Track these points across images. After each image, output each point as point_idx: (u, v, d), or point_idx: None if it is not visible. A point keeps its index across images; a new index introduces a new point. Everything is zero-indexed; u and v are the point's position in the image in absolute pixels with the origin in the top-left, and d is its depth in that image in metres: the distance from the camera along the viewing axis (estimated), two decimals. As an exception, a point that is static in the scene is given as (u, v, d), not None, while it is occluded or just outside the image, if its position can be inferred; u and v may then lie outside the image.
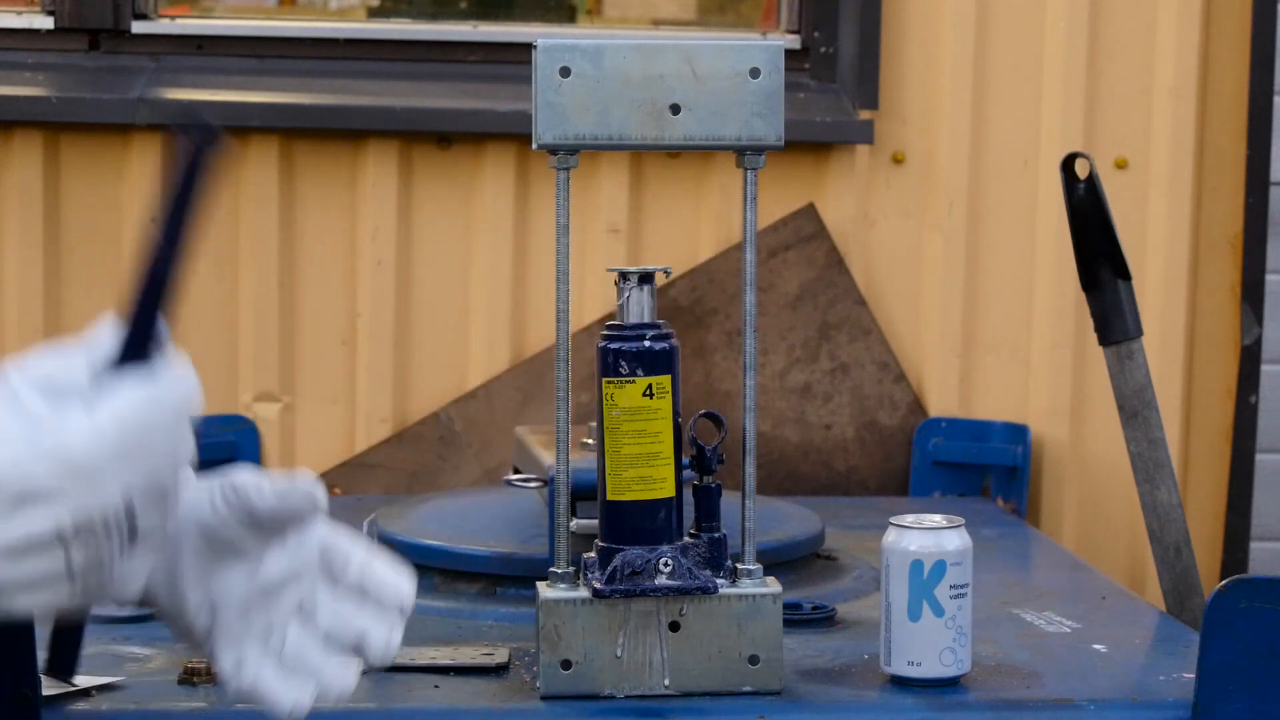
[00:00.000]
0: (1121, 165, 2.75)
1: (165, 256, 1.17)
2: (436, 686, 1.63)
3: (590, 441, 2.00)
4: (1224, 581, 1.55)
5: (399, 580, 1.30)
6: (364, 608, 1.28)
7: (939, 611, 1.61)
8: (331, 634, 1.26)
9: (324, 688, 1.24)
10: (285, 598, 1.27)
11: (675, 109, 1.60)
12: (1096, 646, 1.79)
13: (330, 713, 1.57)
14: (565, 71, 1.58)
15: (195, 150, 1.16)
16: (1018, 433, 2.70)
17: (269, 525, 1.26)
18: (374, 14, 3.17)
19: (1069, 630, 1.86)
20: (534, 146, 1.60)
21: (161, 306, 1.16)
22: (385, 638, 1.27)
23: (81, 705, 1.57)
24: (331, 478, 2.70)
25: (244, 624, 1.25)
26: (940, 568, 1.61)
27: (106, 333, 1.16)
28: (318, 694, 1.24)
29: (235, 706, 1.57)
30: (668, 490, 1.59)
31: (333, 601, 1.28)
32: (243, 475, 1.26)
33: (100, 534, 1.11)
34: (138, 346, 1.14)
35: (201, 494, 1.26)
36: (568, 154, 1.60)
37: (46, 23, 2.69)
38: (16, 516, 1.07)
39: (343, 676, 1.25)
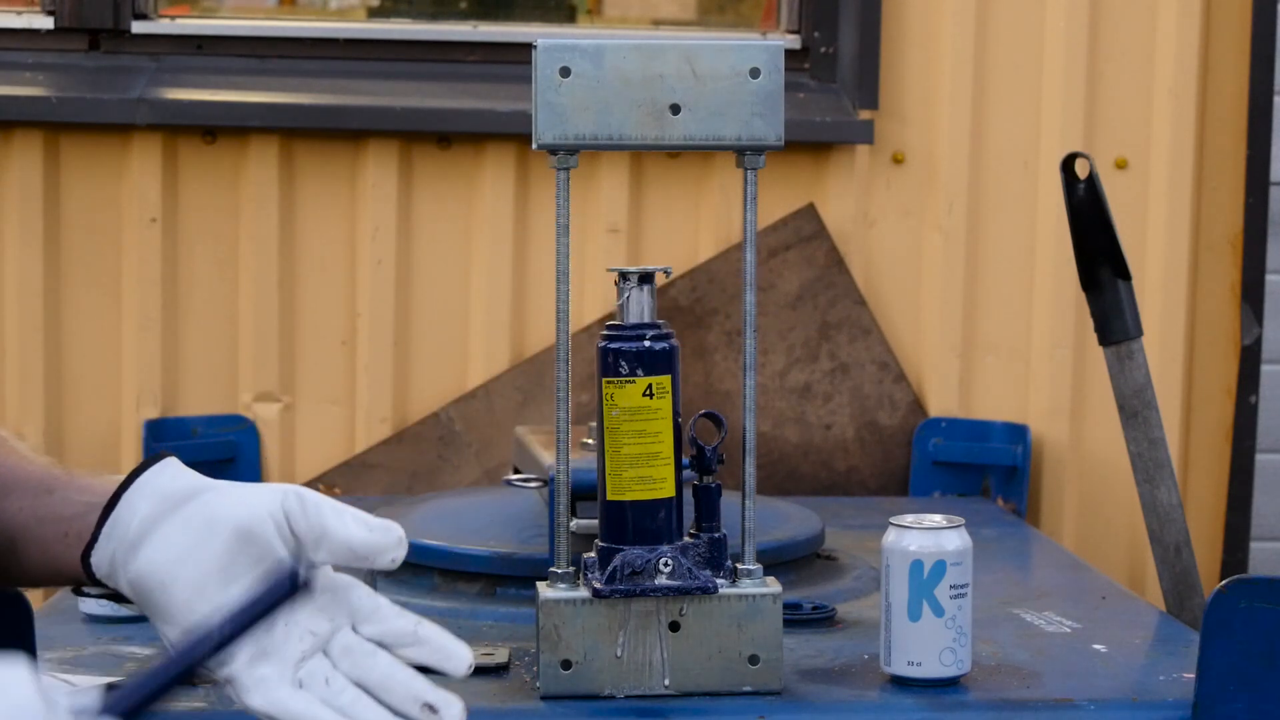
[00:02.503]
0: (1121, 165, 2.75)
1: (206, 652, 1.16)
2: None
3: (590, 441, 2.00)
4: (1224, 581, 1.55)
5: (460, 643, 1.26)
6: (416, 670, 1.23)
7: (939, 611, 1.61)
8: (390, 687, 1.22)
9: None
10: (316, 628, 1.23)
11: (675, 109, 1.60)
12: (1096, 646, 1.79)
13: (330, 713, 1.57)
14: (565, 71, 1.58)
15: (284, 589, 1.15)
16: (1018, 433, 2.71)
17: (333, 555, 1.22)
18: (374, 14, 3.17)
19: (1069, 630, 1.86)
20: (534, 146, 1.60)
21: (165, 693, 1.14)
22: (461, 706, 1.24)
23: (81, 705, 1.57)
24: (331, 478, 2.70)
25: (272, 644, 1.21)
26: (940, 568, 1.61)
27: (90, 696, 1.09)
28: None
29: (235, 707, 1.57)
30: (668, 490, 1.59)
31: (376, 653, 1.23)
32: (312, 493, 1.22)
33: None
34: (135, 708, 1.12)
35: (260, 494, 1.22)
36: (568, 154, 1.60)
37: (46, 23, 2.70)
38: None
39: None
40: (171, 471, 1.26)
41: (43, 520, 1.27)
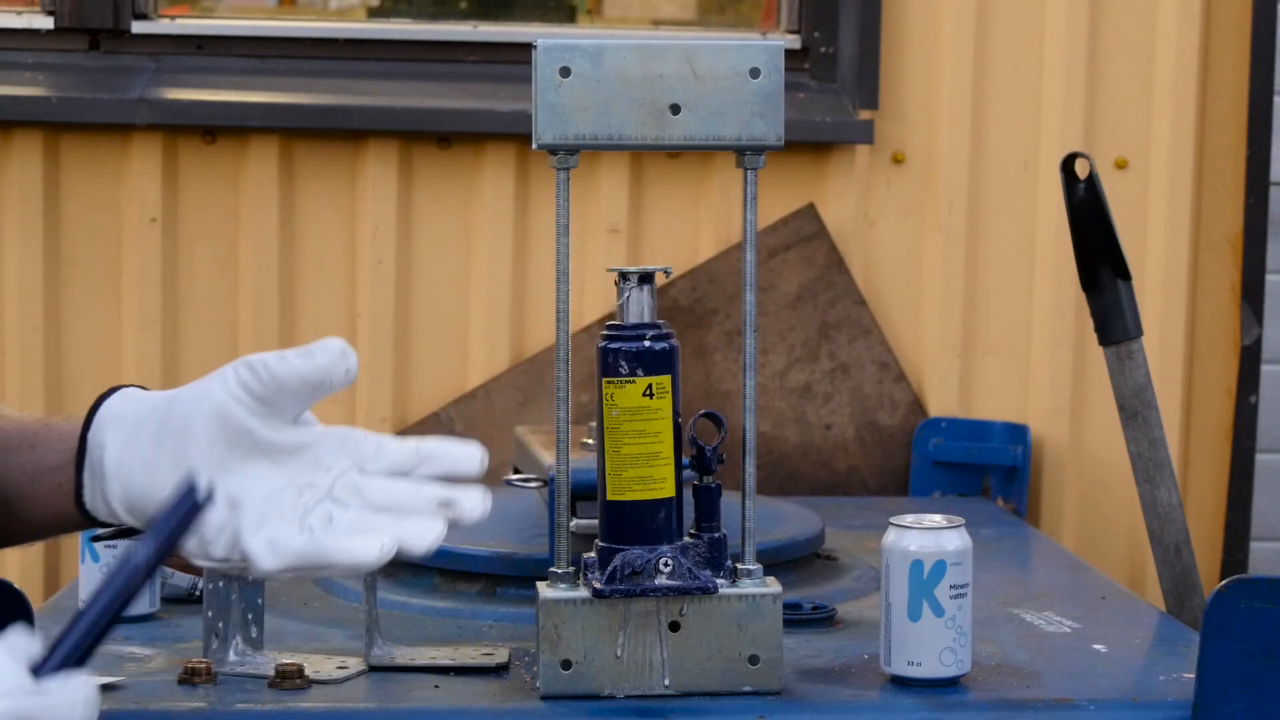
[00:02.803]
0: (1121, 165, 2.75)
1: (135, 584, 1.13)
2: (436, 686, 1.63)
3: (590, 441, 2.00)
4: (1224, 581, 1.55)
5: (467, 444, 1.25)
6: (427, 480, 1.23)
7: (939, 611, 1.61)
8: (402, 503, 1.21)
9: (407, 538, 1.19)
10: (315, 480, 1.22)
11: (675, 109, 1.60)
12: (1096, 646, 1.79)
13: (330, 712, 1.58)
14: (565, 71, 1.58)
15: (194, 503, 1.15)
16: (1018, 433, 2.70)
17: (297, 396, 1.22)
18: (374, 14, 3.17)
19: (1069, 630, 1.86)
20: (534, 146, 1.60)
21: (112, 624, 1.12)
22: (481, 492, 1.23)
23: (81, 705, 1.57)
24: (331, 478, 2.70)
25: (273, 509, 1.21)
26: (940, 568, 1.61)
27: (17, 639, 1.09)
28: (400, 545, 1.19)
29: (235, 707, 1.58)
30: (668, 490, 1.59)
31: (384, 480, 1.23)
32: (255, 356, 1.23)
33: None
34: (78, 654, 1.11)
35: (210, 382, 1.23)
36: (568, 154, 1.60)
37: (46, 23, 2.70)
38: None
39: (429, 530, 1.20)
40: (126, 394, 1.26)
41: (33, 476, 1.28)
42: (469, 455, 1.24)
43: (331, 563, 1.19)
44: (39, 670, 1.08)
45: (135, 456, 1.23)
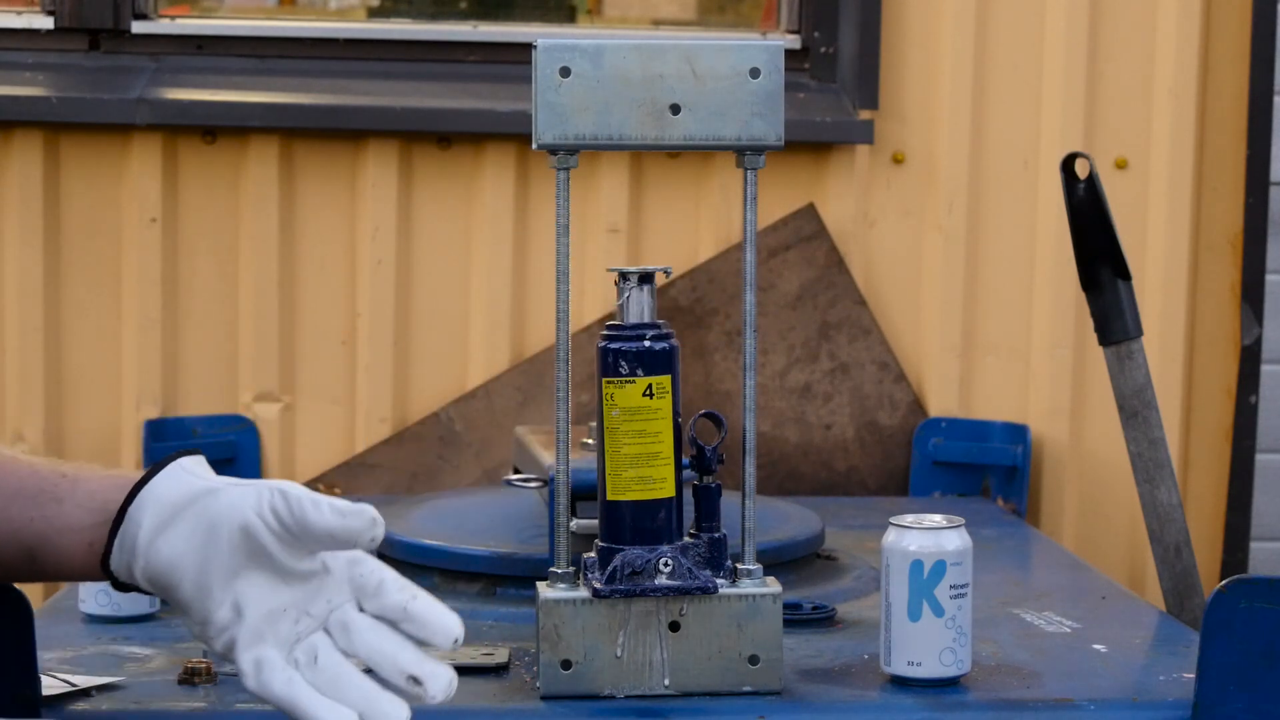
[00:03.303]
0: (1121, 165, 2.75)
1: None
2: (436, 686, 1.63)
3: (590, 441, 2.00)
4: (1224, 581, 1.55)
5: (448, 618, 1.32)
6: (408, 643, 1.31)
7: (939, 611, 1.61)
8: (378, 662, 1.30)
9: (373, 719, 1.28)
10: (313, 609, 1.31)
11: (675, 109, 1.60)
12: (1096, 646, 1.79)
13: (330, 713, 1.57)
14: (565, 71, 1.58)
15: None
16: (1018, 433, 2.71)
17: (318, 543, 1.30)
18: (374, 14, 3.17)
19: (1069, 630, 1.86)
20: (534, 146, 1.60)
21: None
22: (449, 678, 1.31)
23: (81, 705, 1.57)
24: (331, 478, 2.70)
25: (269, 627, 1.29)
26: (940, 568, 1.61)
27: None
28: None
29: (235, 707, 1.58)
30: (668, 490, 1.59)
31: (370, 629, 1.31)
32: (295, 488, 1.30)
33: None
34: None
35: (248, 495, 1.30)
36: (568, 154, 1.60)
37: (46, 23, 2.70)
38: None
39: (396, 713, 1.29)
40: (171, 479, 1.33)
41: (61, 531, 1.35)
42: (447, 632, 1.31)
43: (301, 717, 1.27)
44: None
45: (165, 542, 1.31)
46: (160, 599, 1.38)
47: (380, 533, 1.30)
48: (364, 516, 1.29)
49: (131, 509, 1.32)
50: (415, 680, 1.30)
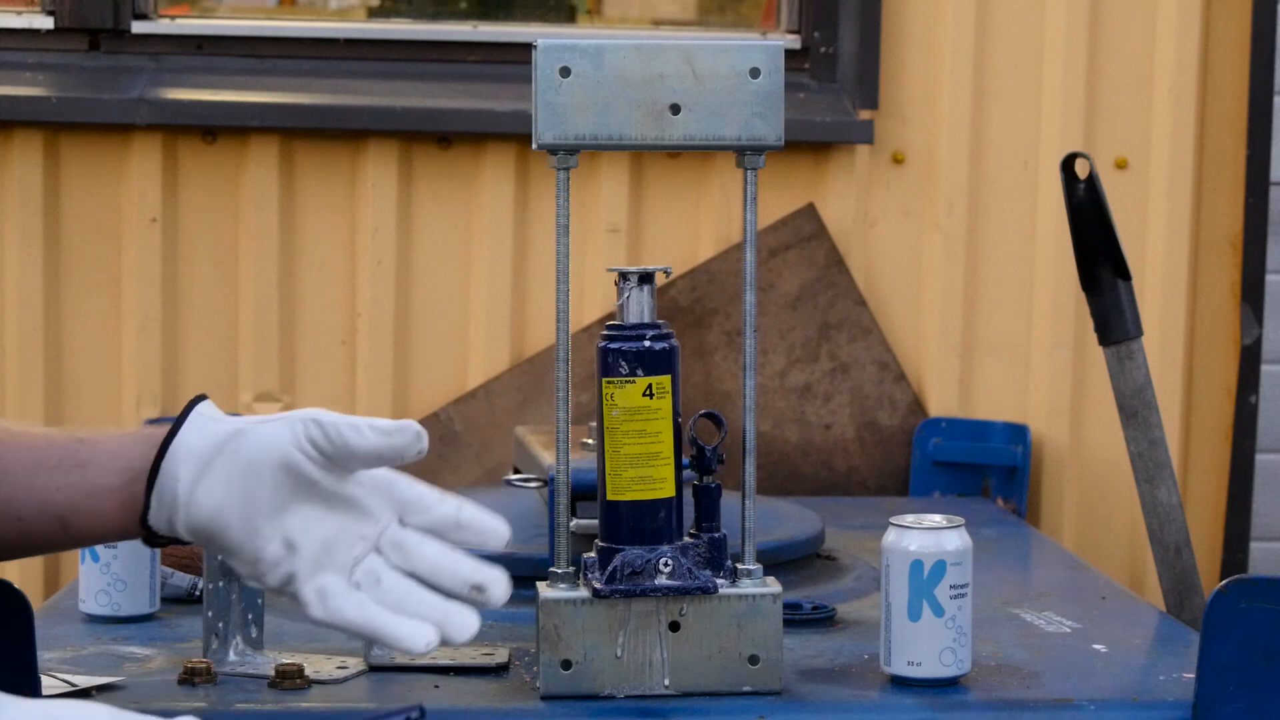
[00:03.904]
0: (1121, 165, 2.75)
1: None
2: (436, 686, 1.63)
3: (590, 441, 2.00)
4: (1224, 581, 1.55)
5: (497, 520, 1.36)
6: (461, 552, 1.35)
7: (939, 611, 1.61)
8: (440, 575, 1.34)
9: (450, 631, 1.32)
10: (364, 532, 1.33)
11: (675, 109, 1.60)
12: (1096, 646, 1.79)
13: (330, 712, 1.58)
14: (565, 71, 1.58)
15: None
16: (1018, 433, 2.70)
17: (364, 465, 1.33)
18: (374, 14, 3.17)
19: (1069, 630, 1.86)
20: (534, 146, 1.60)
21: None
22: (508, 579, 1.35)
23: (81, 705, 1.57)
24: (331, 478, 2.70)
25: (327, 555, 1.32)
26: (940, 568, 1.61)
27: None
28: (443, 637, 1.32)
29: (235, 706, 1.58)
30: (668, 490, 1.59)
31: (425, 543, 1.34)
32: (327, 415, 1.33)
33: None
34: None
35: (281, 431, 1.32)
36: (568, 154, 1.60)
37: (46, 23, 2.70)
38: None
39: (469, 623, 1.33)
40: (197, 429, 1.34)
41: (90, 495, 1.36)
42: (499, 534, 1.36)
43: (380, 637, 1.31)
44: None
45: (204, 491, 1.32)
46: (202, 549, 1.43)
47: (425, 445, 1.33)
48: (408, 432, 1.32)
49: (165, 464, 1.32)
50: (478, 588, 1.34)
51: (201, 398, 1.37)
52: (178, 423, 1.35)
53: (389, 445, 1.32)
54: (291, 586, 1.32)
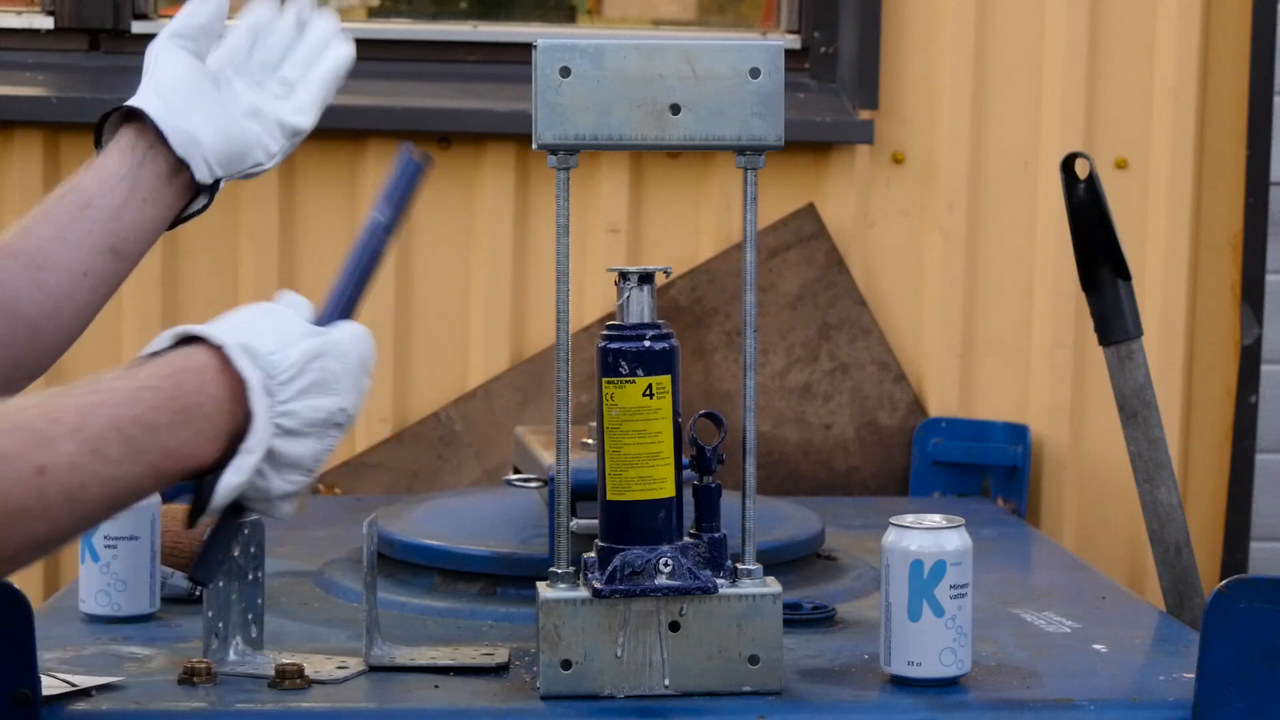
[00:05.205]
0: (1121, 165, 2.75)
1: (380, 242, 1.48)
2: (436, 686, 1.63)
3: (590, 441, 2.00)
4: (1224, 581, 1.55)
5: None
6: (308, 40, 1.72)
7: (939, 611, 1.61)
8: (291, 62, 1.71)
9: (325, 76, 1.73)
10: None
11: (675, 109, 1.60)
12: (1096, 646, 1.79)
13: (330, 712, 1.58)
14: (565, 71, 1.58)
15: (416, 165, 1.51)
16: (1018, 433, 2.71)
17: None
18: (374, 14, 3.17)
19: (1069, 630, 1.86)
20: (534, 146, 1.60)
21: (369, 281, 1.44)
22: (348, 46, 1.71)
23: (81, 705, 1.57)
24: (331, 478, 2.70)
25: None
26: (940, 568, 1.61)
27: (295, 299, 1.42)
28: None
29: (235, 706, 1.58)
30: (668, 490, 1.59)
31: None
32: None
33: (346, 429, 1.37)
34: (346, 307, 1.43)
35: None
36: (568, 154, 1.60)
37: (46, 23, 2.70)
38: (319, 397, 1.33)
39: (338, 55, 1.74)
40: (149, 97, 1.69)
41: (145, 201, 1.72)
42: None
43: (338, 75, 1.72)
44: (320, 321, 1.40)
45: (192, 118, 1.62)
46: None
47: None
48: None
49: (161, 124, 1.65)
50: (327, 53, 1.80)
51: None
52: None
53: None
54: (274, 117, 1.69)
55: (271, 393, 1.29)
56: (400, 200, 1.46)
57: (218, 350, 1.29)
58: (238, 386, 1.27)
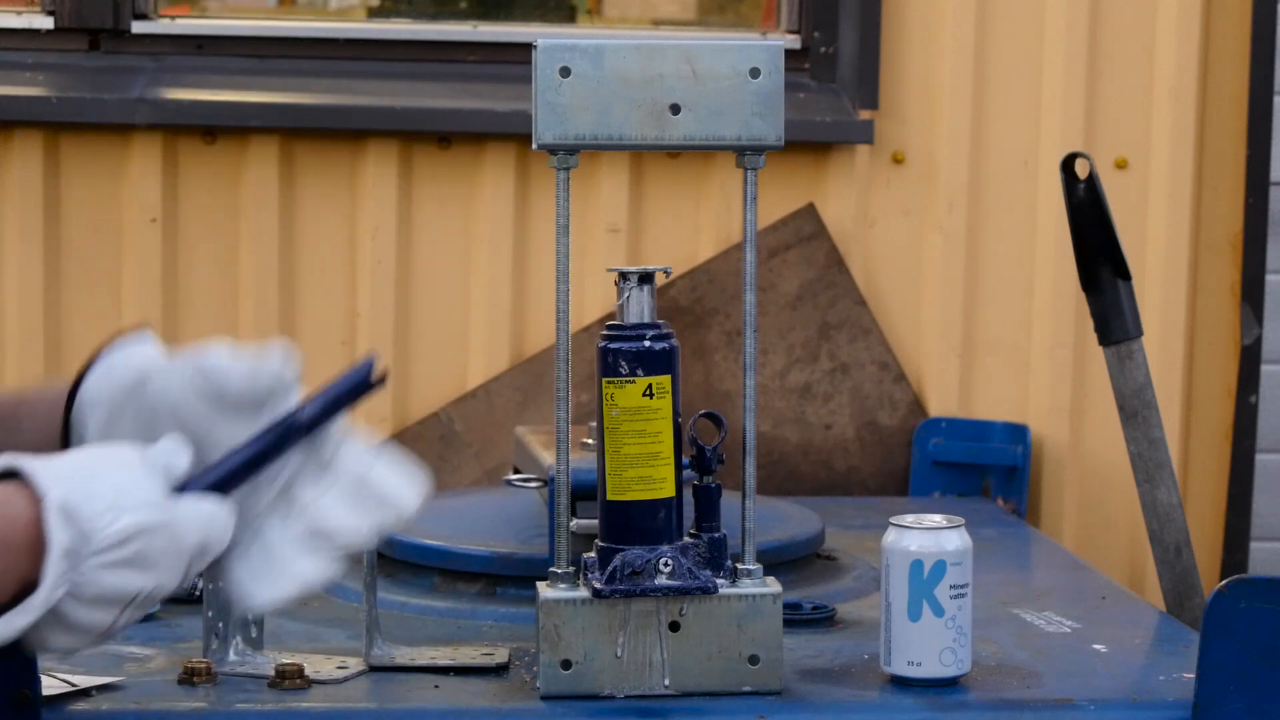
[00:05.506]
0: (1121, 165, 2.75)
1: (290, 438, 1.30)
2: (436, 686, 1.63)
3: (590, 441, 2.00)
4: (1224, 581, 1.55)
5: (405, 486, 1.34)
6: (353, 504, 1.31)
7: (939, 611, 1.61)
8: (315, 528, 1.30)
9: (297, 582, 1.29)
10: (269, 487, 1.31)
11: (675, 109, 1.60)
12: (1096, 646, 1.79)
13: (330, 712, 1.58)
14: (565, 71, 1.58)
15: (366, 383, 1.33)
16: (1018, 433, 2.70)
17: (242, 407, 1.31)
18: (374, 14, 3.17)
19: (1069, 630, 1.86)
20: (534, 146, 1.60)
21: (260, 468, 1.28)
22: (358, 527, 1.31)
23: (81, 705, 1.57)
24: (331, 478, 2.69)
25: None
26: (940, 568, 1.61)
27: (175, 450, 1.27)
28: (291, 591, 1.29)
29: (235, 706, 1.58)
30: (668, 490, 1.59)
31: (315, 491, 1.31)
32: (213, 356, 1.32)
33: (150, 607, 1.24)
34: (222, 482, 1.26)
35: (172, 378, 1.32)
36: (568, 154, 1.60)
37: (46, 23, 2.69)
38: (130, 574, 1.21)
39: (313, 570, 1.29)
40: (104, 372, 1.37)
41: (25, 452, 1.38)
42: (406, 501, 1.35)
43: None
44: (189, 485, 1.25)
45: (115, 439, 1.33)
46: None
47: (291, 378, 1.31)
48: (268, 374, 1.30)
49: (74, 417, 1.35)
50: (336, 536, 1.32)
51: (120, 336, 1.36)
52: (84, 370, 1.36)
53: (253, 388, 1.30)
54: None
55: (79, 557, 1.19)
56: (331, 408, 1.30)
57: (37, 501, 1.20)
58: (43, 543, 1.19)
